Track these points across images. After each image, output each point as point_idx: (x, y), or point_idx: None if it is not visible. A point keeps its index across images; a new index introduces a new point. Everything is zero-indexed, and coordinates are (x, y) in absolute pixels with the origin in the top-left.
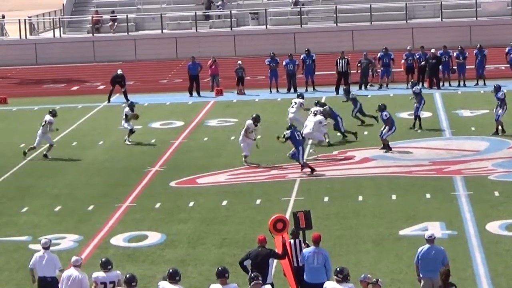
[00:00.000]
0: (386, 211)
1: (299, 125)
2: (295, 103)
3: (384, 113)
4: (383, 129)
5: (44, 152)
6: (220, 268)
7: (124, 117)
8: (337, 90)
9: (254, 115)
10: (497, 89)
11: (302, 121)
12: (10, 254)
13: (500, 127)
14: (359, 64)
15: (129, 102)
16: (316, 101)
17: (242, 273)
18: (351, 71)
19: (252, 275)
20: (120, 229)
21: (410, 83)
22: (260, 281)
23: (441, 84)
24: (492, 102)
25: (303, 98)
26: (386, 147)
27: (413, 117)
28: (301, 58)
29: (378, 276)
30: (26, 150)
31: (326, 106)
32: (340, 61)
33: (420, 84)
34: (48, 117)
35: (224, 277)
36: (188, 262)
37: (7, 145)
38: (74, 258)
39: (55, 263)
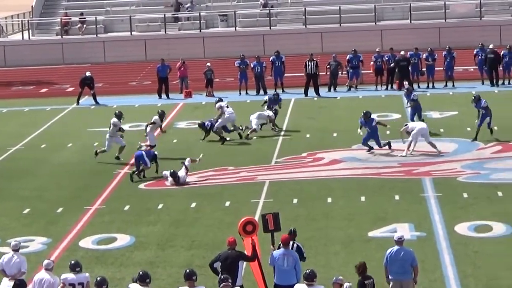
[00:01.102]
0: (355, 213)
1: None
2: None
3: (374, 119)
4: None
5: (116, 154)
6: (187, 270)
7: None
8: (306, 92)
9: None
10: (478, 99)
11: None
12: None
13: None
14: (328, 66)
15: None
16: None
17: (212, 275)
18: (320, 73)
19: (222, 277)
20: (89, 231)
21: (405, 89)
22: (230, 283)
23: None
24: (460, 104)
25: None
26: (370, 149)
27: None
28: (270, 60)
29: (348, 280)
30: (97, 151)
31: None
32: (309, 63)
33: (389, 86)
34: (113, 120)
35: (192, 280)
36: (157, 264)
37: None
38: (45, 262)
39: (22, 265)
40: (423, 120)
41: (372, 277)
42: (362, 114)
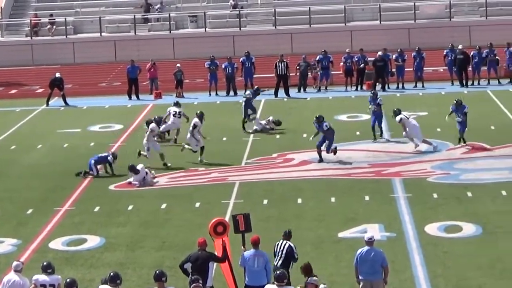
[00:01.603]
0: (325, 214)
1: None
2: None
3: (325, 123)
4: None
5: (164, 162)
6: (157, 271)
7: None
8: (276, 93)
9: (198, 112)
10: (460, 104)
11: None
12: None
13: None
14: (298, 67)
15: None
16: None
17: (183, 276)
18: (290, 74)
19: (193, 278)
20: (59, 232)
21: (371, 93)
22: (200, 284)
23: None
24: (430, 104)
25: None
26: (321, 158)
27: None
28: (240, 60)
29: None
30: (141, 152)
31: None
32: (280, 64)
33: (359, 87)
34: (152, 125)
35: (162, 281)
36: (128, 266)
37: None
38: (15, 263)
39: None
40: (380, 129)
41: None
42: (315, 118)
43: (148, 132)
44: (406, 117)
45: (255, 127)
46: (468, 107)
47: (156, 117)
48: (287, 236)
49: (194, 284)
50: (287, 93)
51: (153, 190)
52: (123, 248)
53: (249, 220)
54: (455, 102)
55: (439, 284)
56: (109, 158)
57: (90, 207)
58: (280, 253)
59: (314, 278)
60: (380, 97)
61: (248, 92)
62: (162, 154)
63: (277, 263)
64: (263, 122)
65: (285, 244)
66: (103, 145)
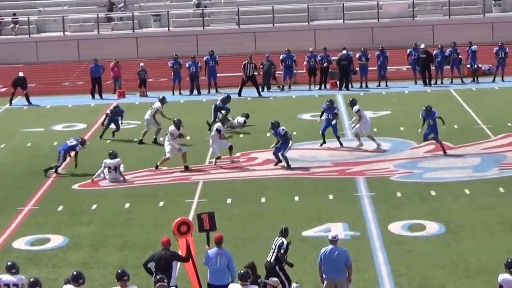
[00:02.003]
0: (289, 213)
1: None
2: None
3: (281, 128)
4: (279, 145)
5: (184, 164)
6: (119, 270)
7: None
8: (240, 93)
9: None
10: (429, 109)
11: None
12: None
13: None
14: (261, 66)
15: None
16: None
17: (146, 275)
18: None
19: (158, 277)
20: (22, 232)
21: (328, 102)
22: (165, 284)
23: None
24: (393, 103)
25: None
26: (288, 165)
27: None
28: (204, 59)
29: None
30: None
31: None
32: (248, 65)
33: (322, 86)
34: (171, 128)
35: (123, 280)
36: (91, 265)
37: None
38: None
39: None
40: (338, 138)
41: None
42: (271, 124)
43: (168, 135)
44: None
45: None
46: (438, 113)
47: (176, 120)
48: (283, 233)
49: (159, 283)
50: (258, 92)
51: (117, 190)
52: (87, 247)
53: (213, 219)
54: (424, 108)
55: (403, 282)
56: (77, 148)
57: (54, 207)
58: (273, 249)
59: (274, 279)
60: (337, 107)
61: (218, 101)
62: (184, 153)
63: (270, 258)
64: (237, 120)
65: (278, 240)
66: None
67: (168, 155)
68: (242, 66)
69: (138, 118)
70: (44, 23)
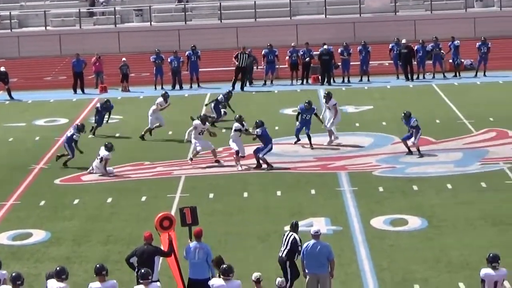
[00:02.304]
0: (271, 207)
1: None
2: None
3: (261, 129)
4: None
5: (216, 158)
6: (97, 265)
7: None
8: (233, 85)
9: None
10: (408, 116)
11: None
12: None
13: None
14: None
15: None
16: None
17: (128, 269)
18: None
19: (143, 272)
20: (4, 227)
21: (306, 103)
22: (150, 279)
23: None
24: (375, 98)
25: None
26: (269, 166)
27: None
28: (186, 54)
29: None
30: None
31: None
32: (242, 55)
33: (304, 81)
34: (196, 122)
35: (102, 275)
36: (74, 260)
37: None
38: None
39: None
40: (309, 137)
41: None
42: (255, 123)
43: (192, 129)
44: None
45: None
46: (415, 120)
47: (202, 114)
48: (294, 228)
49: (144, 279)
50: (242, 86)
51: (98, 184)
52: (69, 242)
53: (196, 213)
54: (403, 114)
55: (385, 277)
56: (74, 136)
57: (36, 201)
58: (285, 244)
59: (258, 273)
60: (315, 108)
61: (221, 96)
62: (214, 150)
63: (282, 253)
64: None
65: (290, 236)
66: (48, 139)
67: (198, 148)
68: (234, 56)
69: (120, 113)
70: (26, 17)
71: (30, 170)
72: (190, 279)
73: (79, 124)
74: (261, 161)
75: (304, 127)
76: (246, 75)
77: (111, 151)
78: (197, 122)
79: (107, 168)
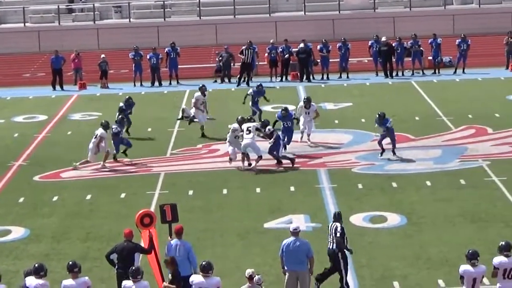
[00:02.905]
0: (250, 204)
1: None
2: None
3: (269, 127)
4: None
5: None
6: (70, 262)
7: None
8: (239, 82)
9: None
10: (382, 117)
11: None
12: None
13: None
14: (220, 58)
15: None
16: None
17: (108, 266)
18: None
19: (134, 268)
20: None
21: (282, 110)
22: (140, 278)
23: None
24: (354, 95)
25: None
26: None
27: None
28: (165, 51)
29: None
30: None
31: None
32: (247, 51)
33: (283, 78)
34: (233, 125)
35: (74, 272)
36: (53, 257)
37: None
38: None
39: None
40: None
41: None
42: (261, 122)
43: (230, 133)
44: None
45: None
46: (390, 121)
47: (239, 117)
48: (337, 218)
49: (134, 278)
50: (247, 82)
51: (78, 181)
52: (48, 239)
53: (176, 211)
54: (377, 116)
55: (364, 274)
56: (100, 134)
57: (15, 198)
58: (332, 236)
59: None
60: (293, 113)
61: (250, 90)
62: (247, 155)
63: (331, 245)
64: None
65: (336, 227)
66: (27, 136)
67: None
68: (239, 52)
69: (99, 109)
70: (4, 14)
71: (9, 167)
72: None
73: (104, 122)
74: (281, 160)
75: (286, 138)
76: (225, 72)
77: (107, 130)
78: (235, 125)
79: (101, 145)
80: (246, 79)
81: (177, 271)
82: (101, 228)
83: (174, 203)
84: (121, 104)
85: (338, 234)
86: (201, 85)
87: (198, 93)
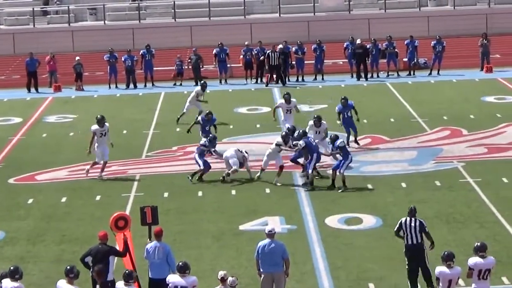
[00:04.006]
0: (226, 206)
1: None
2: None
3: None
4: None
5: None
6: (68, 267)
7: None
8: (266, 83)
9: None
10: (334, 140)
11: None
12: None
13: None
14: (189, 60)
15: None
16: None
17: (83, 269)
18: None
19: (127, 272)
20: None
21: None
22: (131, 283)
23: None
24: (329, 96)
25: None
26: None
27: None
28: (140, 53)
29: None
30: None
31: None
32: (272, 54)
33: (258, 80)
34: (278, 140)
35: (69, 277)
36: (28, 260)
37: None
38: None
39: None
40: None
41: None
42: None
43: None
44: None
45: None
46: (341, 141)
47: (285, 131)
48: (413, 213)
49: (126, 282)
50: (283, 82)
51: (53, 184)
52: (24, 242)
53: (156, 213)
54: (342, 100)
55: (340, 276)
56: (205, 143)
57: None
58: (413, 231)
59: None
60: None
61: (199, 118)
62: (281, 166)
63: (415, 240)
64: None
65: (414, 222)
66: (2, 138)
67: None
68: (266, 56)
69: (74, 112)
70: None
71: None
72: (150, 279)
73: (211, 136)
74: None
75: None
76: (196, 73)
77: (100, 124)
78: (279, 140)
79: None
80: (284, 78)
81: (105, 283)
82: (76, 231)
83: (155, 205)
84: (199, 118)
85: (427, 230)
86: (202, 81)
87: (199, 88)
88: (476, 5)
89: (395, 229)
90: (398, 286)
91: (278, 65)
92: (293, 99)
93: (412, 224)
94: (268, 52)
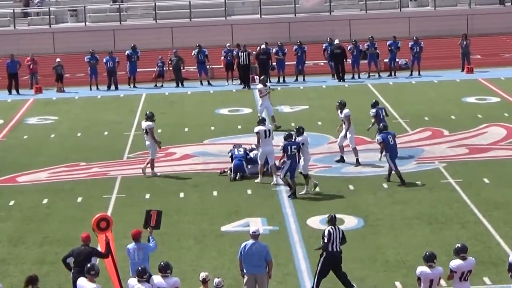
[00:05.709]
0: (207, 208)
1: None
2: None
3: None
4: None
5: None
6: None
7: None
8: (245, 83)
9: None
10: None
11: None
12: None
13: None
14: (170, 62)
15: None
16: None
17: (65, 271)
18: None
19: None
20: None
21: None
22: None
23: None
24: (311, 97)
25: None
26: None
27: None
28: (126, 53)
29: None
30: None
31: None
32: (242, 54)
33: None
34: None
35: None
36: (9, 261)
37: None
38: None
39: None
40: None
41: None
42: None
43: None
44: None
45: None
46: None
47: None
48: (333, 221)
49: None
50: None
51: (34, 186)
52: (5, 244)
53: (160, 218)
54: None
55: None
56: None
57: None
58: (337, 240)
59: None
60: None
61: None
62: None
63: (334, 249)
64: None
65: (338, 230)
66: None
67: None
68: (236, 56)
69: (55, 113)
70: None
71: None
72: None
73: (245, 149)
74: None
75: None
76: (177, 74)
77: (152, 120)
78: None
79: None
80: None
81: None
82: (57, 232)
83: (160, 210)
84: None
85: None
86: (262, 77)
87: (260, 85)
88: (457, 5)
89: (325, 241)
90: (379, 286)
91: (247, 65)
92: (267, 83)
93: (336, 233)
94: (237, 52)
